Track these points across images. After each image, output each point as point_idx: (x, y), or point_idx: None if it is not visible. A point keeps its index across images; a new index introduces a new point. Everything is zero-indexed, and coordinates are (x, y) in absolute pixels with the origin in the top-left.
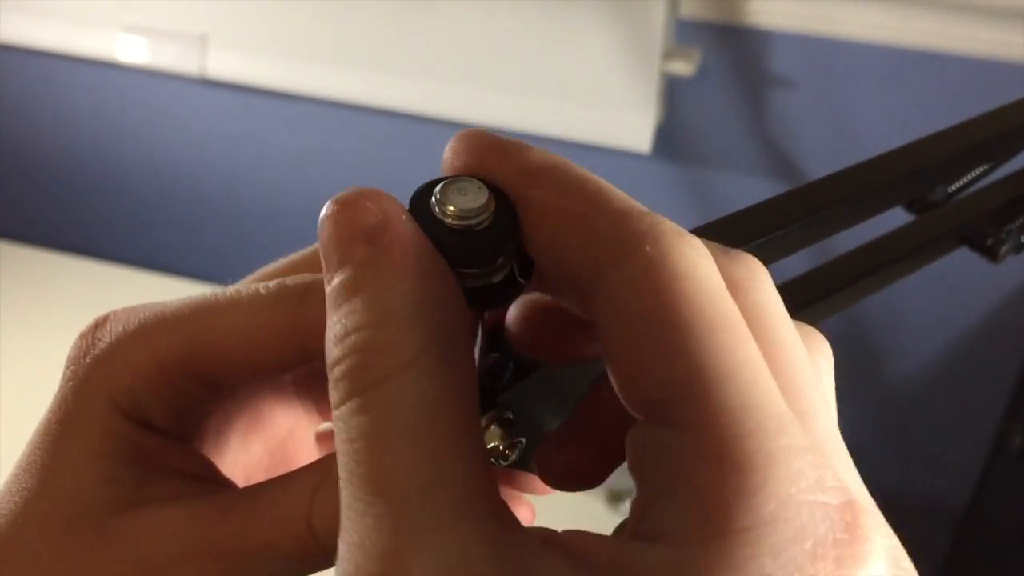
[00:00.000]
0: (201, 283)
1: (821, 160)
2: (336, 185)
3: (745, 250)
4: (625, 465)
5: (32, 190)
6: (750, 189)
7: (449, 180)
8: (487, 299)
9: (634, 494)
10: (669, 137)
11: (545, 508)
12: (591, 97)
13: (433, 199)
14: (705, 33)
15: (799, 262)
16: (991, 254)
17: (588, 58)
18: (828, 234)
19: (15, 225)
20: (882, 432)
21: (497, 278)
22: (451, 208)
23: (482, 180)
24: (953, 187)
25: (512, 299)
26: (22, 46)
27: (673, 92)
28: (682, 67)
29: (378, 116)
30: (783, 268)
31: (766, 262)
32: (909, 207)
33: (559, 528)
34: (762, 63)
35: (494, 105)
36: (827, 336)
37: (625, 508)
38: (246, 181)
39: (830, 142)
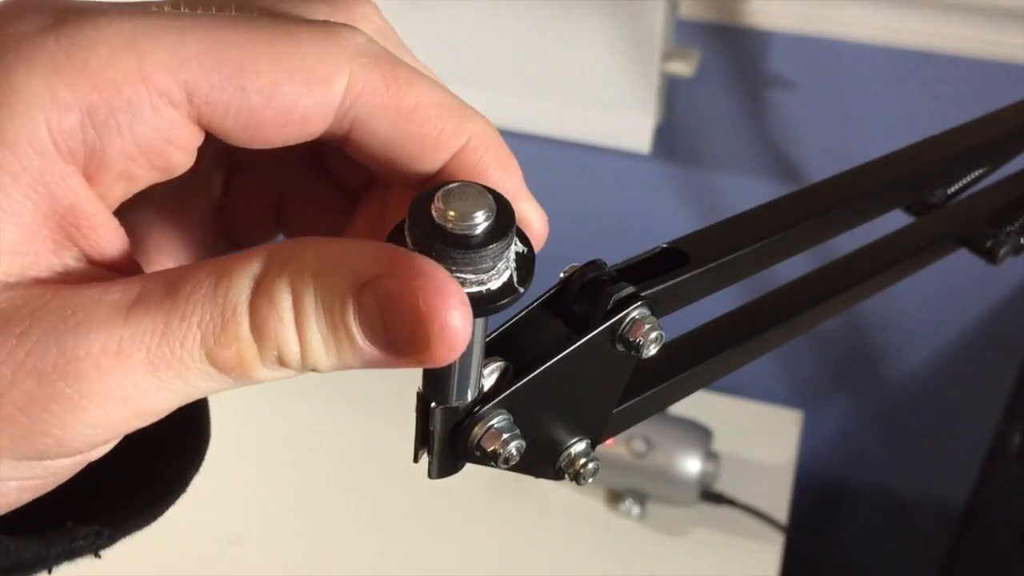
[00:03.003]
0: None
1: (821, 160)
2: None
3: (746, 253)
4: (624, 465)
5: None
6: (750, 189)
7: (450, 186)
8: (485, 305)
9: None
10: (669, 137)
11: (546, 507)
12: (591, 97)
13: (434, 204)
14: (705, 33)
15: (800, 264)
16: (990, 256)
17: (588, 58)
18: (829, 236)
19: None
20: (882, 432)
21: (495, 284)
22: (451, 213)
23: (483, 186)
24: (952, 189)
25: (509, 304)
26: None
27: (673, 92)
28: (682, 68)
29: None
30: (784, 270)
31: (767, 264)
32: (908, 209)
33: (558, 528)
34: (762, 63)
35: (494, 105)
36: (827, 336)
37: (625, 508)
38: None
39: (830, 142)
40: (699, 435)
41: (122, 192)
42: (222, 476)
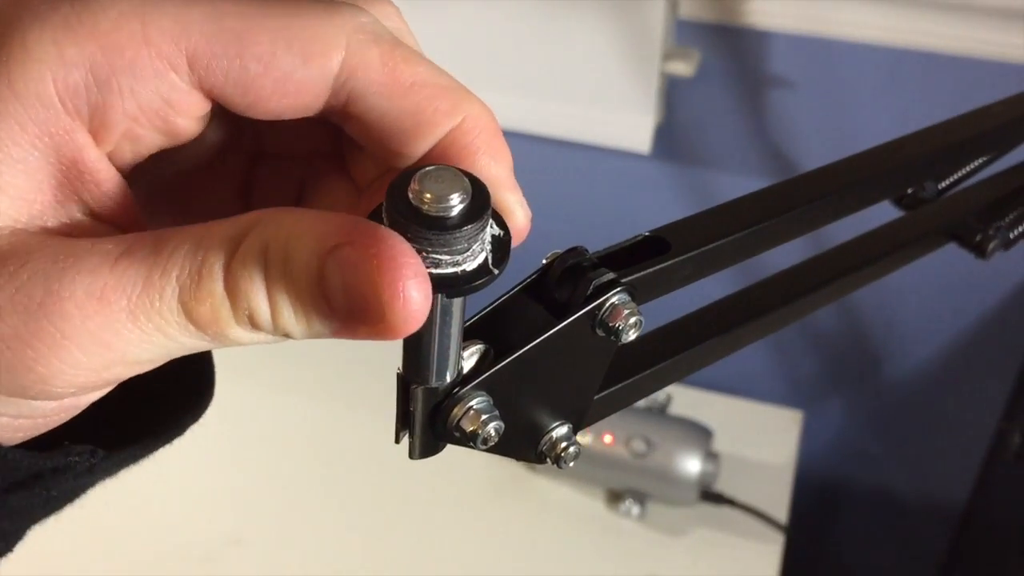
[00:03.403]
0: None
1: (821, 161)
2: None
3: (728, 241)
4: (624, 465)
5: None
6: (749, 189)
7: (427, 168)
8: (460, 286)
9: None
10: (669, 137)
11: (546, 507)
12: (591, 97)
13: (410, 186)
14: (705, 33)
15: (789, 254)
16: (979, 250)
17: (588, 58)
18: (814, 227)
19: None
20: (882, 432)
21: (471, 265)
22: (428, 195)
23: (460, 169)
24: (944, 184)
25: (484, 286)
26: None
27: (673, 92)
28: (682, 68)
29: None
30: (772, 259)
31: (750, 253)
32: (899, 203)
33: (558, 528)
34: (762, 63)
35: (494, 105)
36: (827, 336)
37: (625, 508)
38: None
39: (830, 142)
40: (699, 435)
41: (131, 154)
42: (222, 476)
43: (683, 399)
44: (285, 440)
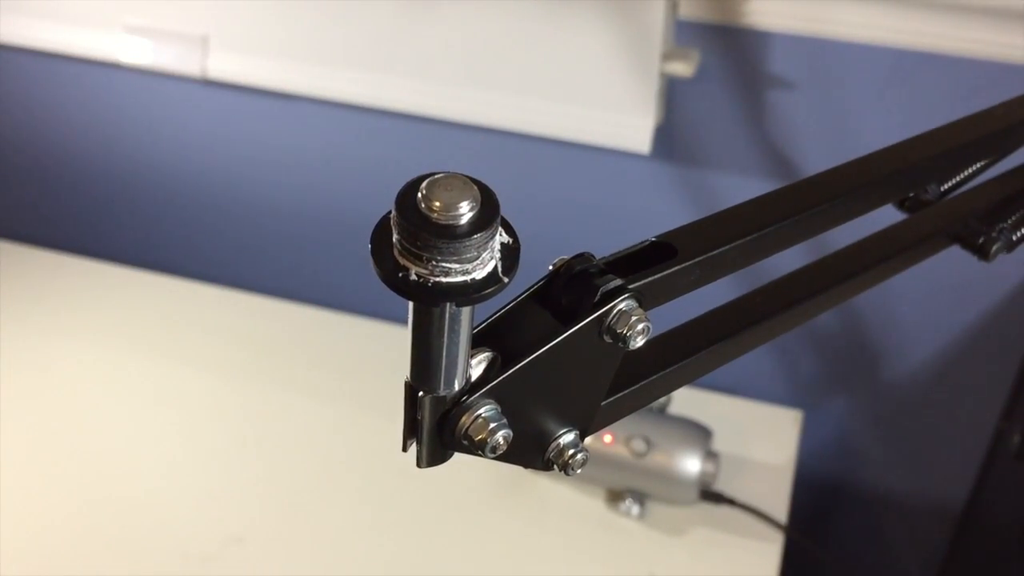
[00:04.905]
0: (200, 283)
1: (821, 161)
2: (336, 185)
3: (734, 247)
4: (624, 465)
5: (32, 190)
6: (749, 190)
7: (436, 176)
8: (470, 294)
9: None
10: (668, 138)
11: (546, 507)
12: (590, 98)
13: (419, 195)
14: (705, 34)
15: (792, 258)
16: (982, 252)
17: (588, 59)
18: (818, 231)
19: (15, 225)
20: (881, 432)
21: (480, 274)
22: (437, 204)
23: (468, 178)
24: (946, 186)
25: (494, 294)
26: (22, 46)
27: (672, 93)
28: (681, 68)
29: (378, 116)
30: (776, 264)
31: (756, 258)
32: (901, 205)
33: (558, 528)
34: (762, 64)
35: (494, 105)
36: (827, 336)
37: (625, 508)
38: (246, 181)
39: (830, 143)
40: (699, 435)
41: None
42: (223, 475)
43: (683, 399)
44: (286, 440)
